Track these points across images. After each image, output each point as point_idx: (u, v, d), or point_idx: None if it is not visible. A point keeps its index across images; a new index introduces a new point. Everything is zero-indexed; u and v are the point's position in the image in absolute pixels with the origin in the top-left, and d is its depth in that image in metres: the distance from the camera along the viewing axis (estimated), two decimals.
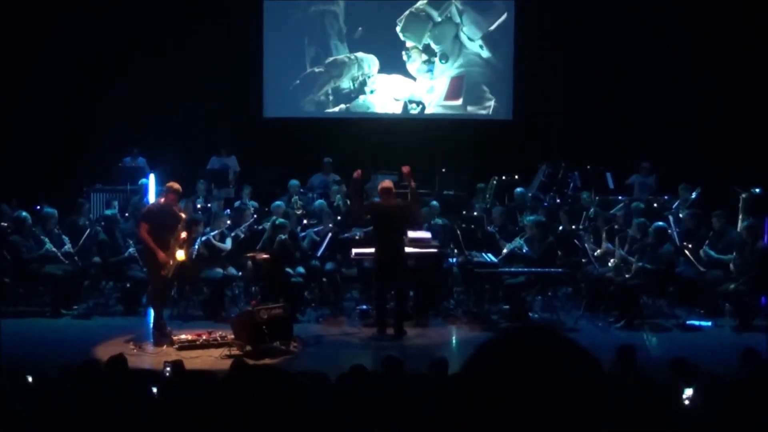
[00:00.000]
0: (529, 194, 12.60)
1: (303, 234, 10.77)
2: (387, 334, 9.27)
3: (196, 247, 10.02)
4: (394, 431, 4.08)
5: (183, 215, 9.05)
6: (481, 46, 15.17)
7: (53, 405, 4.07)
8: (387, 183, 9.53)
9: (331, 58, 15.21)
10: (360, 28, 15.11)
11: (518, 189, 12.44)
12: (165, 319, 9.18)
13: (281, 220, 10.30)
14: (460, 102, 15.30)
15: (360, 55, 15.19)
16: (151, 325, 9.15)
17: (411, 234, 9.84)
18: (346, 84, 15.25)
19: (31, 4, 13.48)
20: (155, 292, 9.08)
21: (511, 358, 1.22)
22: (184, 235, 8.94)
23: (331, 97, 15.29)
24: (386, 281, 9.46)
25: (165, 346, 8.59)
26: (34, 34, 13.50)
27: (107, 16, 13.95)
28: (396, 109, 15.26)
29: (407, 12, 15.17)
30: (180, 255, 8.86)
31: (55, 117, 13.81)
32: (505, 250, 10.21)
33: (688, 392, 3.92)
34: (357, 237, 10.53)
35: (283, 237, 10.02)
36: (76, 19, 13.71)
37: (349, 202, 11.89)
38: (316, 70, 15.21)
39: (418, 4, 15.19)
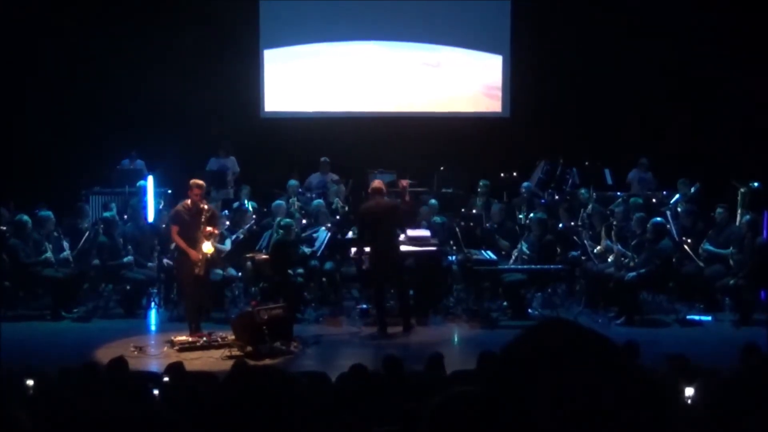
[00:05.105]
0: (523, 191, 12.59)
1: (305, 235, 10.76)
2: (387, 332, 9.29)
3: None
4: (395, 430, 4.09)
5: (205, 206, 8.87)
6: (480, 43, 15.14)
7: (54, 408, 4.06)
8: (377, 183, 9.68)
9: (328, 57, 15.15)
10: (355, 30, 15.06)
11: (525, 183, 12.43)
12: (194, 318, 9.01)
13: (287, 220, 10.31)
14: (462, 101, 15.26)
15: (358, 52, 15.14)
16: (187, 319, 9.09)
17: (410, 232, 9.86)
18: (343, 83, 15.21)
19: (30, 6, 13.45)
20: (190, 296, 9.04)
21: (544, 353, 1.20)
22: (209, 228, 8.78)
23: (330, 96, 15.24)
24: (384, 280, 9.51)
25: (166, 348, 8.60)
26: (32, 36, 13.47)
27: (105, 17, 13.92)
28: (395, 106, 15.21)
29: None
30: (207, 247, 8.73)
31: (53, 119, 13.78)
32: (512, 260, 10.20)
33: (689, 391, 3.91)
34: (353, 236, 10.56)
35: (291, 239, 10.09)
36: (74, 20, 13.68)
37: (347, 208, 11.91)
38: (314, 71, 15.17)
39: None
